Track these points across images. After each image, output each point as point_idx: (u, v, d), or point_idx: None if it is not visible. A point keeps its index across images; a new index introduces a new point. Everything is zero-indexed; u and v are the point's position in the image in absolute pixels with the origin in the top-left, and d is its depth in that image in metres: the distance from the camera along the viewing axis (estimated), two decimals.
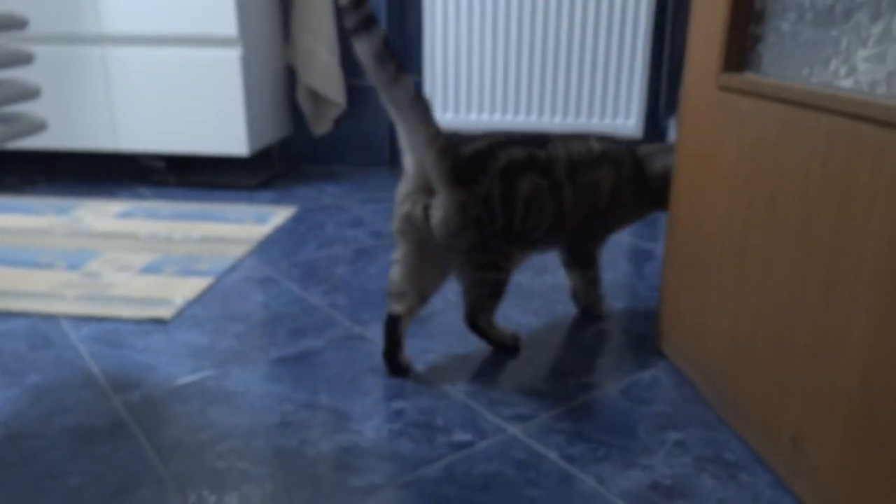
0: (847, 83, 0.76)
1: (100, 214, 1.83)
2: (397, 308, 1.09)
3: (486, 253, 1.08)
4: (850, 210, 0.72)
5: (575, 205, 1.15)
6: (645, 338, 1.23)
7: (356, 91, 2.34)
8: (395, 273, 1.10)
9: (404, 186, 1.07)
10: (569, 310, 1.34)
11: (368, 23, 0.95)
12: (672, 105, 2.22)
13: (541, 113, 2.26)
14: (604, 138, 1.20)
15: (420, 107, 1.00)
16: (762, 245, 0.88)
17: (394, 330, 1.09)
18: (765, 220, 0.87)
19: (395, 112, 1.01)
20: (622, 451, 0.92)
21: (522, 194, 1.08)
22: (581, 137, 1.18)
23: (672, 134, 2.22)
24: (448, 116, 2.27)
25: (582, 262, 1.27)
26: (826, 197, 0.76)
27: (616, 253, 1.64)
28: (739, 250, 0.93)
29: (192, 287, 1.39)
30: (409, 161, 1.06)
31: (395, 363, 1.10)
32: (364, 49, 0.96)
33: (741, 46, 0.94)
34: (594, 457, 0.91)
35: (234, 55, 1.96)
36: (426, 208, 1.04)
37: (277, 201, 2.02)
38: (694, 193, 1.05)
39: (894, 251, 0.67)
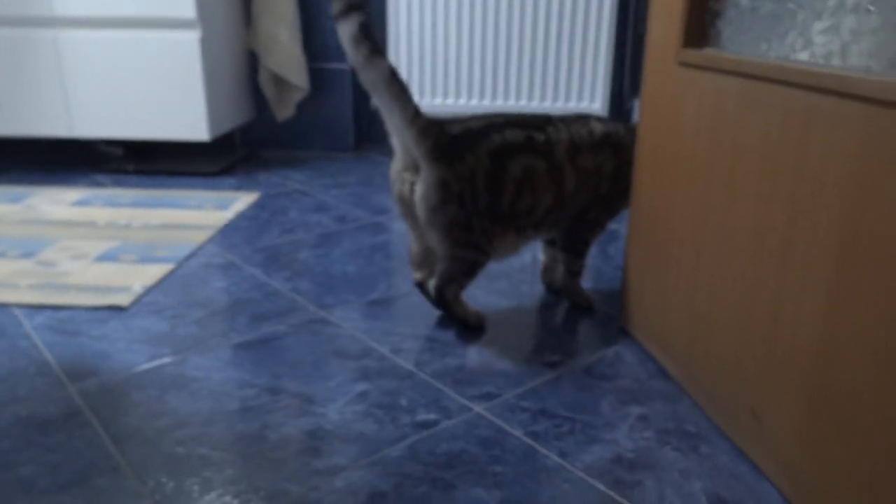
0: (803, 56, 0.76)
1: (55, 202, 1.79)
2: (417, 276, 1.20)
3: (468, 231, 1.09)
4: (805, 181, 0.73)
5: (577, 188, 1.15)
6: (610, 317, 1.24)
7: (319, 75, 2.31)
8: (413, 245, 1.19)
9: (395, 166, 1.11)
10: (535, 290, 1.34)
11: (350, 8, 0.99)
12: (636, 86, 2.23)
13: (506, 97, 2.25)
14: (604, 119, 1.20)
15: (395, 88, 1.02)
16: (721, 219, 0.89)
17: (425, 293, 1.19)
18: (724, 194, 0.88)
19: (373, 94, 1.04)
20: (586, 426, 0.92)
21: (513, 175, 1.09)
22: (582, 119, 1.18)
23: (637, 115, 2.23)
24: None
25: (576, 249, 1.25)
26: (782, 169, 0.76)
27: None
28: (699, 225, 0.94)
29: (150, 274, 1.36)
30: (396, 141, 1.09)
31: (452, 315, 1.17)
32: (343, 32, 1.00)
33: (700, 22, 0.94)
34: (558, 433, 0.91)
35: (192, 38, 1.92)
36: (412, 184, 1.08)
37: (240, 187, 1.98)
38: (655, 170, 1.05)
39: (846, 222, 0.67)
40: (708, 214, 0.91)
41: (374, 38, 1.00)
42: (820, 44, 0.73)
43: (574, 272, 1.26)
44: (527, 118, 1.14)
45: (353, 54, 1.00)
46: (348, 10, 0.99)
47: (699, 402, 0.97)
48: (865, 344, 0.66)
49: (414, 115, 1.03)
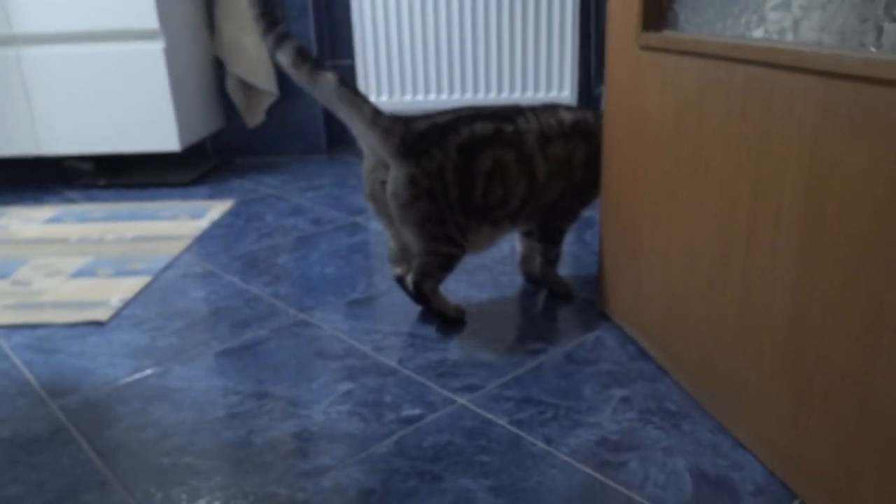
0: (758, 33, 0.77)
1: (26, 221, 1.77)
2: (397, 271, 1.21)
3: (441, 225, 1.10)
4: (768, 157, 0.74)
5: (548, 178, 1.16)
6: (589, 302, 1.25)
7: (287, 79, 2.30)
8: (390, 242, 1.20)
9: (365, 165, 1.12)
10: (514, 281, 1.35)
11: (282, 38, 1.03)
12: (603, 74, 2.25)
13: (476, 90, 2.26)
14: (573, 108, 1.21)
15: (347, 94, 1.03)
16: (689, 199, 0.90)
17: (404, 288, 1.20)
18: (691, 173, 0.89)
19: (330, 107, 1.07)
20: (569, 411, 0.93)
21: (483, 168, 1.10)
22: (551, 108, 1.19)
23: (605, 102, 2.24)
24: (383, 99, 2.25)
25: (551, 238, 1.26)
26: (745, 146, 0.78)
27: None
28: (669, 206, 0.95)
29: (128, 287, 1.35)
30: (363, 144, 1.11)
31: (431, 309, 1.18)
32: (282, 62, 1.04)
33: (658, 6, 0.96)
34: (543, 419, 0.92)
35: (157, 48, 1.91)
36: (383, 182, 1.09)
37: (213, 196, 1.97)
38: (623, 154, 1.06)
39: (810, 194, 0.69)
40: (676, 195, 0.93)
41: (311, 56, 1.03)
42: (773, 20, 0.75)
43: (551, 260, 1.27)
44: (496, 110, 1.15)
45: (298, 77, 1.04)
46: (281, 40, 1.03)
47: (679, 380, 0.98)
48: (833, 313, 0.68)
49: (374, 115, 1.04)
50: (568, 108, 1.21)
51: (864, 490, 0.67)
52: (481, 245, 1.18)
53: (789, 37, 0.72)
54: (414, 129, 1.07)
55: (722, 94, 0.81)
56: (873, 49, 0.62)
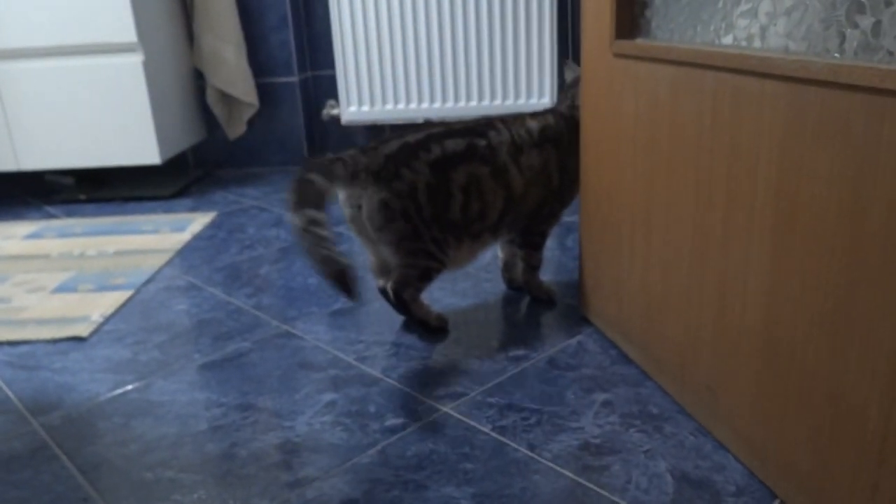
0: (727, 40, 0.79)
1: (6, 237, 1.75)
2: (380, 283, 1.21)
3: (418, 241, 1.11)
4: (739, 161, 0.75)
5: (526, 187, 1.17)
6: (571, 308, 1.26)
7: (267, 89, 2.31)
8: (370, 256, 1.21)
9: (341, 196, 1.13)
10: (497, 288, 1.36)
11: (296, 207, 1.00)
12: None
13: (456, 99, 2.27)
14: (537, 114, 1.22)
15: (317, 182, 1.03)
16: (666, 203, 0.91)
17: (388, 298, 1.19)
18: (666, 178, 0.90)
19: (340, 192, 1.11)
20: (552, 416, 0.94)
21: (458, 183, 1.11)
22: (519, 118, 1.20)
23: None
24: (364, 109, 2.26)
25: (533, 243, 1.26)
26: (717, 151, 0.79)
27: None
28: (646, 210, 0.96)
29: (109, 302, 1.34)
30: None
31: (412, 318, 1.18)
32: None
33: (630, 13, 0.97)
34: (526, 425, 0.92)
35: (135, 61, 1.90)
36: (359, 207, 1.10)
37: (195, 208, 1.97)
38: (601, 160, 1.07)
39: (780, 196, 0.70)
40: (653, 199, 0.94)
41: (308, 202, 1.00)
42: (741, 27, 0.76)
43: (533, 266, 1.28)
44: (467, 125, 1.16)
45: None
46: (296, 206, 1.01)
47: (661, 383, 0.99)
48: (805, 314, 0.69)
49: (342, 167, 1.06)
50: (533, 115, 1.22)
51: (841, 488, 0.68)
52: (464, 260, 1.20)
53: (757, 43, 0.74)
54: (380, 154, 1.09)
55: (693, 99, 0.82)
56: (836, 55, 0.63)
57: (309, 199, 1.01)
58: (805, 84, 0.65)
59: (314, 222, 0.98)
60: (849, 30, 0.62)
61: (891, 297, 0.59)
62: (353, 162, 1.08)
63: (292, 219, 1.00)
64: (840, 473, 0.67)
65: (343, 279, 0.96)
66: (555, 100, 2.24)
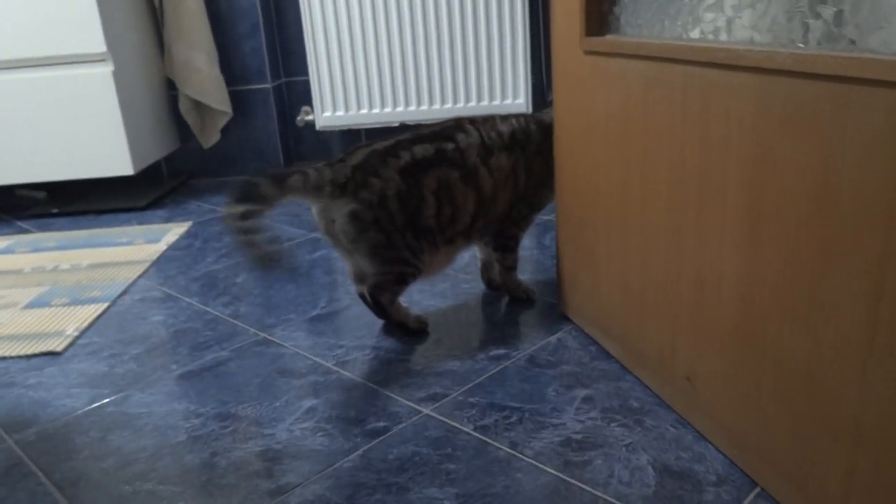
0: (695, 34, 0.79)
1: None
2: (359, 288, 1.22)
3: (392, 248, 1.11)
4: (711, 153, 0.76)
5: (495, 190, 1.17)
6: (550, 306, 1.26)
7: (241, 97, 2.29)
8: (348, 265, 1.22)
9: (314, 208, 1.13)
10: (476, 288, 1.35)
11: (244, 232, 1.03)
12: None
13: (431, 102, 2.27)
14: (507, 117, 1.22)
15: (262, 186, 1.04)
16: (640, 197, 0.91)
17: (367, 303, 1.20)
18: (640, 173, 0.91)
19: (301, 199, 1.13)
20: (533, 414, 0.94)
21: (430, 188, 1.11)
22: (490, 120, 1.20)
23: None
24: (339, 114, 2.25)
25: (506, 246, 1.26)
26: (689, 143, 0.80)
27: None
28: (621, 206, 0.96)
29: (84, 316, 1.32)
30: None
31: (391, 321, 1.19)
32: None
33: (599, 11, 0.97)
34: (507, 424, 0.92)
35: (105, 72, 1.88)
36: (332, 220, 1.10)
37: (170, 218, 1.95)
38: (574, 157, 1.08)
39: (751, 187, 0.71)
40: (628, 194, 0.94)
41: (244, 198, 1.03)
42: (708, 21, 0.77)
43: (509, 267, 1.28)
44: (436, 130, 1.16)
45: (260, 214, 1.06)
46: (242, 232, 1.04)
47: (640, 377, 1.00)
48: (780, 300, 0.69)
49: (302, 181, 1.06)
50: (504, 118, 1.22)
51: (819, 473, 0.68)
52: (439, 266, 1.20)
53: (723, 36, 0.75)
54: (347, 165, 1.09)
55: (664, 94, 0.83)
56: (801, 45, 0.64)
57: (246, 196, 1.02)
58: (771, 74, 0.66)
59: (244, 215, 1.01)
60: (812, 20, 0.63)
61: (862, 281, 0.60)
62: (316, 175, 1.07)
63: (224, 211, 1.02)
64: (818, 457, 0.68)
65: (266, 260, 1.01)
66: (529, 100, 2.25)
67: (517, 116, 1.23)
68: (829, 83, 0.60)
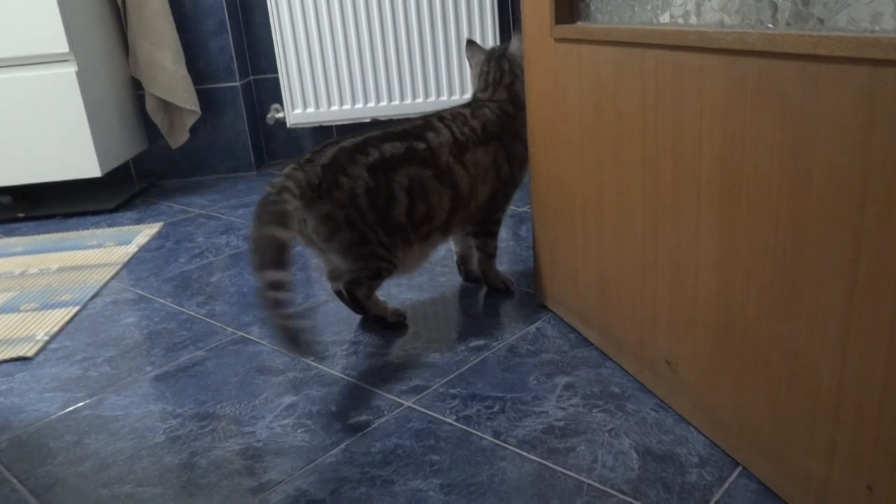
0: (665, 18, 0.80)
1: None
2: (334, 286, 1.22)
3: (366, 245, 1.10)
4: (684, 136, 0.76)
5: (472, 186, 1.17)
6: (528, 295, 1.26)
7: (209, 96, 2.26)
8: (322, 262, 1.21)
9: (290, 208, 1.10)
10: (453, 280, 1.35)
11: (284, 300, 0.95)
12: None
13: (402, 97, 2.26)
14: (477, 109, 1.21)
15: (277, 235, 0.99)
16: (615, 183, 0.92)
17: (344, 300, 1.20)
18: (614, 159, 0.91)
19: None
20: (515, 403, 0.94)
21: (400, 186, 1.10)
22: (461, 116, 1.19)
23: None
24: (310, 111, 2.23)
25: (490, 231, 1.26)
26: (662, 127, 0.80)
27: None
28: (597, 192, 0.97)
29: (55, 320, 1.30)
30: None
31: (369, 315, 1.18)
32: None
33: None
34: (489, 414, 0.92)
35: (69, 72, 1.84)
36: (305, 221, 1.09)
37: (140, 220, 1.92)
38: (549, 146, 1.08)
39: (725, 168, 0.71)
40: (603, 180, 0.95)
41: (268, 261, 0.97)
42: (677, 4, 0.77)
43: (490, 255, 1.28)
44: (406, 128, 1.15)
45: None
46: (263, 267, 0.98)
47: (621, 362, 1.00)
48: (756, 279, 0.70)
49: (292, 208, 1.03)
50: (474, 111, 1.21)
51: (799, 451, 0.69)
52: (415, 262, 1.19)
53: (693, 19, 0.75)
54: (316, 166, 1.07)
55: (635, 78, 0.83)
56: (770, 25, 0.65)
57: (268, 257, 0.97)
58: (742, 55, 0.66)
59: (275, 285, 0.94)
60: (780, 0, 0.63)
61: (837, 259, 0.60)
62: (295, 184, 1.05)
63: (254, 280, 0.97)
64: (798, 434, 0.69)
65: (297, 345, 0.93)
66: None
67: (485, 104, 1.22)
68: (798, 62, 0.60)
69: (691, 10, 0.75)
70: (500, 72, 1.24)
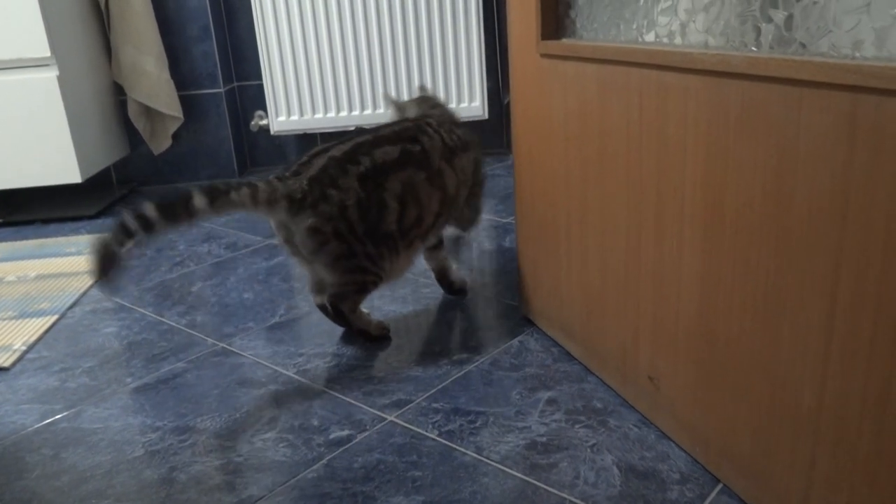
0: (650, 37, 0.80)
1: None
2: (318, 300, 1.20)
3: (353, 258, 1.09)
4: (667, 154, 0.77)
5: (458, 187, 1.20)
6: (512, 308, 1.26)
7: (192, 101, 2.25)
8: (307, 274, 1.20)
9: (272, 221, 1.10)
10: (436, 293, 1.35)
11: (134, 231, 0.93)
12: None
13: (387, 105, 2.26)
14: (456, 124, 1.26)
15: (223, 204, 0.99)
16: (599, 199, 0.92)
17: (327, 314, 1.18)
18: (598, 175, 0.91)
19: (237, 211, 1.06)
20: (498, 417, 0.94)
21: (393, 192, 1.09)
22: (444, 124, 1.22)
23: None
24: (294, 118, 2.23)
25: (473, 220, 1.31)
26: (646, 146, 0.80)
27: (475, 231, 1.67)
28: (581, 208, 0.97)
29: (32, 329, 1.28)
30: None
31: (353, 329, 1.18)
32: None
33: (555, 14, 0.98)
34: (472, 428, 0.92)
35: (50, 76, 1.82)
36: (291, 232, 1.07)
37: None
38: (533, 160, 1.08)
39: (708, 186, 0.72)
40: (587, 196, 0.95)
41: (171, 206, 0.95)
42: (662, 24, 0.78)
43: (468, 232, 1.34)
44: (396, 130, 1.15)
45: (187, 224, 0.98)
46: (135, 232, 0.94)
47: (603, 378, 1.01)
48: (738, 298, 0.71)
49: (252, 196, 1.01)
50: (448, 128, 1.22)
51: (780, 468, 0.70)
52: (401, 270, 1.18)
53: (678, 40, 0.76)
54: (302, 178, 1.05)
55: (620, 96, 0.83)
56: (754, 48, 0.65)
57: (168, 199, 0.95)
58: (725, 77, 0.67)
59: (141, 218, 0.92)
60: (764, 24, 0.64)
61: (818, 277, 0.61)
62: (268, 189, 1.03)
63: (130, 210, 0.93)
64: (779, 452, 0.69)
65: (104, 272, 0.92)
66: (486, 103, 2.25)
67: (462, 128, 1.26)
68: (781, 85, 0.61)
69: (676, 30, 0.76)
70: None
